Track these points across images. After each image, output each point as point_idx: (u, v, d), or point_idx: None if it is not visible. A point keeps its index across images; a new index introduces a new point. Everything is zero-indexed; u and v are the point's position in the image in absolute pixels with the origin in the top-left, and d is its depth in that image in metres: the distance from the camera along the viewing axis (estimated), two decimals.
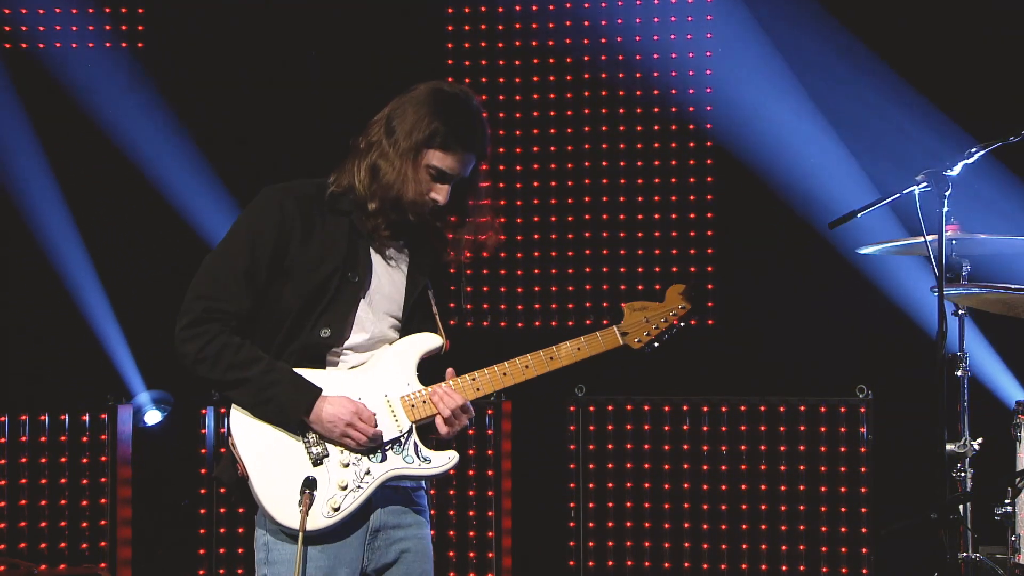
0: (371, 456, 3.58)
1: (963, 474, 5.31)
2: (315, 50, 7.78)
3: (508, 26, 7.81)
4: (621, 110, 7.70)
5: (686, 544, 6.96)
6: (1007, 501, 5.14)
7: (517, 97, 7.80)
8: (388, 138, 3.62)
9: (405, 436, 3.62)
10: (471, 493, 7.04)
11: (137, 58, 7.82)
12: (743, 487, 6.94)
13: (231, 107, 7.74)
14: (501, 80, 7.81)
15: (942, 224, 4.48)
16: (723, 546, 6.92)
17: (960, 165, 4.48)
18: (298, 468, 3.54)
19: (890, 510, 6.77)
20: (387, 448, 3.60)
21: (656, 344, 3.88)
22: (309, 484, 3.50)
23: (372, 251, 3.67)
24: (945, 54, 7.18)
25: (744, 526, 6.92)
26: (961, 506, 5.12)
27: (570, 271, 7.71)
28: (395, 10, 7.82)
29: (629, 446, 7.07)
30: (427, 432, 3.67)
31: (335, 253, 3.61)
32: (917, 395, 6.53)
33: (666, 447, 7.04)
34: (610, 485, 7.06)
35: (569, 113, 7.76)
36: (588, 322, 7.67)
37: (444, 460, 3.65)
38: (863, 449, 6.79)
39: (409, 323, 3.73)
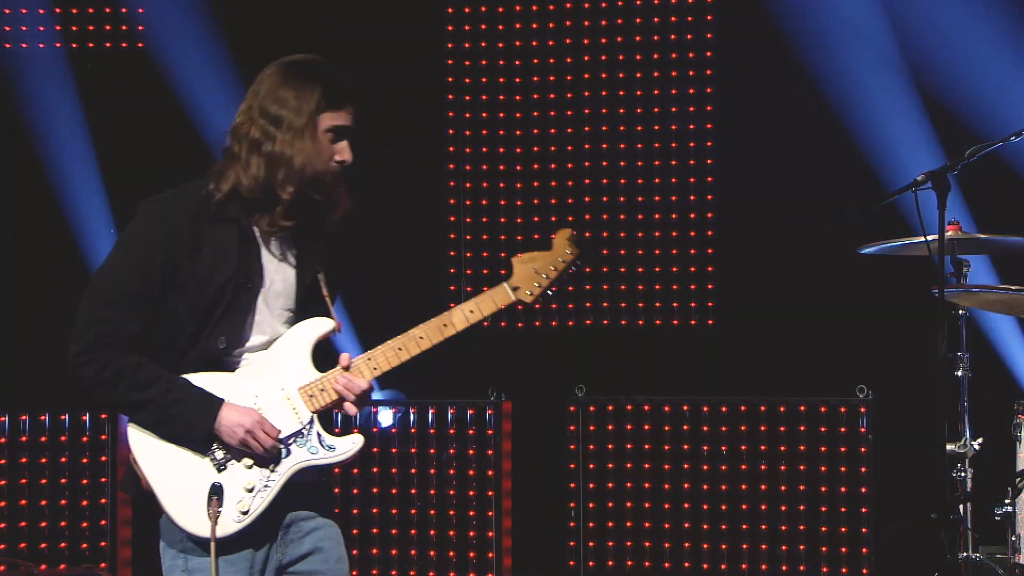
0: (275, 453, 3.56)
1: (963, 474, 5.31)
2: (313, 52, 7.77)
3: (508, 26, 7.81)
4: (621, 110, 7.70)
5: (686, 544, 6.96)
6: (1007, 501, 5.14)
7: (517, 97, 7.80)
8: (277, 126, 3.56)
9: (307, 427, 3.59)
10: (471, 493, 7.04)
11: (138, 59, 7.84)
12: (743, 487, 6.93)
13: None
14: (501, 80, 7.81)
15: (942, 224, 4.48)
16: (723, 546, 6.92)
17: (960, 165, 4.48)
18: (202, 476, 3.51)
19: (890, 510, 6.77)
20: (290, 442, 3.57)
21: (549, 293, 3.79)
22: (215, 491, 3.46)
23: (263, 253, 3.63)
24: None
25: (744, 526, 6.91)
26: (961, 506, 5.13)
27: (570, 271, 7.69)
28: (395, 10, 7.82)
29: (629, 446, 7.07)
30: (329, 417, 3.65)
31: (227, 262, 3.56)
32: (917, 395, 6.55)
33: (666, 447, 7.04)
34: (610, 485, 7.05)
35: (569, 113, 7.76)
36: (588, 322, 7.67)
37: (349, 445, 3.61)
38: (863, 449, 6.79)
39: (302, 312, 3.68)
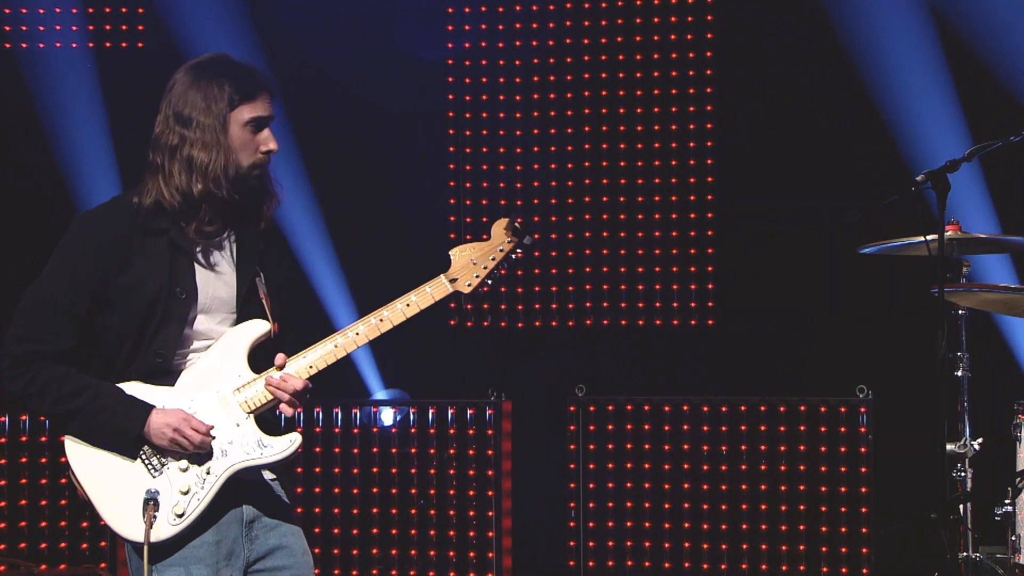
0: (210, 456, 3.56)
1: (963, 474, 5.31)
2: (314, 51, 7.78)
3: (508, 26, 7.81)
4: (621, 110, 7.70)
5: (686, 544, 6.96)
6: (1007, 501, 5.14)
7: (517, 97, 7.80)
8: (189, 128, 3.57)
9: (243, 428, 3.59)
10: (471, 493, 7.04)
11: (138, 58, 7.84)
12: (743, 487, 6.93)
13: None
14: (502, 80, 7.81)
15: (942, 224, 4.48)
16: (723, 546, 6.92)
17: (960, 165, 4.49)
18: (137, 482, 3.53)
19: (890, 510, 6.77)
20: (226, 444, 3.57)
21: (488, 283, 3.82)
22: (151, 496, 3.49)
23: (196, 262, 3.63)
24: None
25: (744, 526, 6.91)
26: (961, 506, 5.13)
27: (570, 271, 7.71)
28: (396, 9, 7.82)
29: (629, 446, 7.07)
30: (267, 417, 3.64)
31: (157, 274, 3.57)
32: (917, 395, 6.54)
33: (666, 447, 7.04)
34: (610, 485, 7.05)
35: (569, 113, 7.76)
36: (588, 322, 7.67)
37: (286, 444, 3.59)
38: (863, 449, 6.79)
39: (244, 315, 3.68)
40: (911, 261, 5.54)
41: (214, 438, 3.55)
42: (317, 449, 7.09)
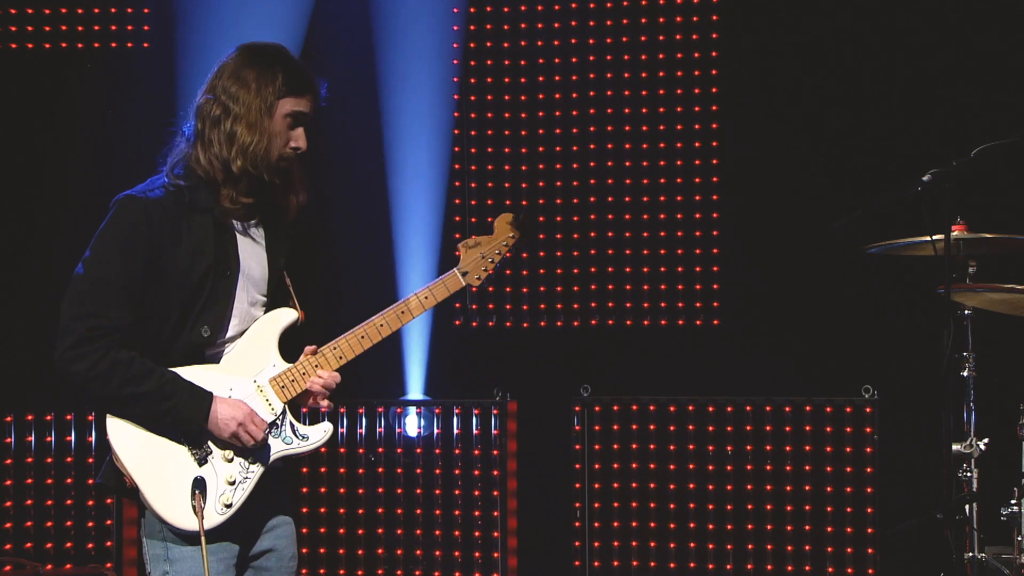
0: (254, 446, 3.64)
1: (969, 474, 5.31)
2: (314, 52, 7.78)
3: (515, 25, 7.81)
4: (627, 110, 7.70)
5: (691, 544, 6.96)
6: (1013, 501, 5.14)
7: (523, 97, 7.80)
8: (236, 103, 3.64)
9: (281, 418, 3.69)
10: (476, 493, 7.05)
11: (144, 59, 7.83)
12: (748, 487, 6.93)
13: None
14: (507, 80, 7.81)
15: (948, 223, 4.48)
16: (728, 546, 6.92)
17: (967, 164, 4.48)
18: (185, 471, 3.57)
19: (896, 510, 6.76)
20: (267, 433, 3.66)
21: (492, 275, 3.96)
22: (199, 485, 3.54)
23: (238, 241, 3.72)
24: None
25: (749, 526, 6.91)
26: (967, 506, 5.12)
27: (575, 271, 7.70)
28: (402, 10, 7.82)
29: (634, 446, 7.07)
30: (297, 403, 3.76)
31: (206, 252, 3.63)
32: (923, 395, 6.54)
33: (671, 447, 7.04)
34: (615, 485, 7.05)
35: (575, 113, 7.75)
36: (593, 322, 7.66)
37: (321, 434, 3.74)
38: (869, 449, 6.78)
39: (272, 300, 3.79)
40: (917, 261, 5.53)
41: (269, 433, 3.64)
42: (323, 449, 7.08)
